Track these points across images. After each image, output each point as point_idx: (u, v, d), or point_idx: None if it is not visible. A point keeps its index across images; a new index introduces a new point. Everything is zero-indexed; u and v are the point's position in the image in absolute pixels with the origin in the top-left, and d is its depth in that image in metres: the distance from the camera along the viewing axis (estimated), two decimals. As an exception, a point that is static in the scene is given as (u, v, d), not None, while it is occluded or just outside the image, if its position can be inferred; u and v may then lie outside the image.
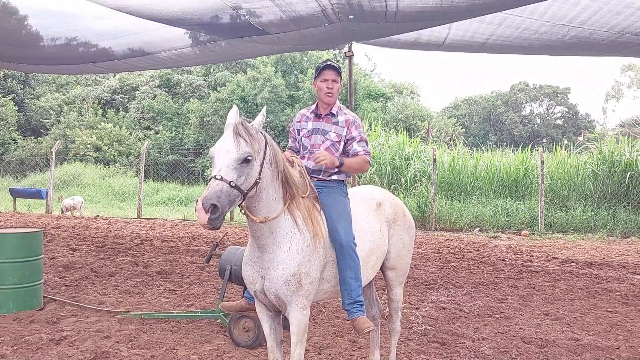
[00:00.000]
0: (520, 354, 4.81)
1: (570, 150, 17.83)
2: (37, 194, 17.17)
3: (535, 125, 50.18)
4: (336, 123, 3.85)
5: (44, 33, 9.60)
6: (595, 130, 39.35)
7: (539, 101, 52.18)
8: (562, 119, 51.34)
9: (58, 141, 20.01)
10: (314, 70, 4.03)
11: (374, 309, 4.37)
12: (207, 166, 26.44)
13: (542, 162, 14.28)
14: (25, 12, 9.29)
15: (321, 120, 3.88)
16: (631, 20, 7.57)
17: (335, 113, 3.87)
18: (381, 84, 39.30)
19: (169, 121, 32.40)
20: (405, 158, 16.71)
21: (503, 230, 13.69)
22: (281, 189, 3.32)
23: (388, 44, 10.24)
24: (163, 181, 25.46)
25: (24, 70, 26.90)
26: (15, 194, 17.52)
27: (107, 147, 29.25)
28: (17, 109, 33.03)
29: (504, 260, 9.50)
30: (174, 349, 4.70)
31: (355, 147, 3.82)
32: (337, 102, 3.93)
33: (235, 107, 3.26)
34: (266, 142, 3.20)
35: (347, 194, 3.82)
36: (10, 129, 31.45)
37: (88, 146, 28.97)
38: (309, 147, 3.85)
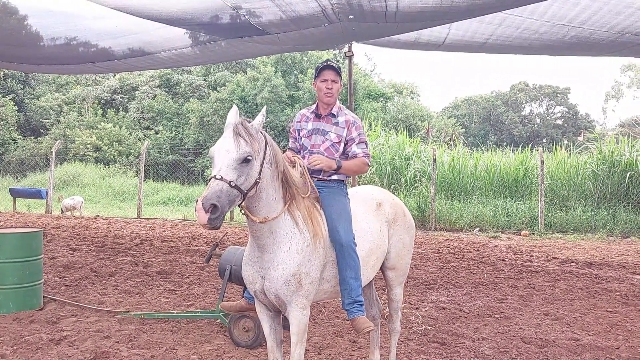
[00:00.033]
0: (520, 354, 4.82)
1: (570, 150, 17.84)
2: (37, 194, 17.17)
3: (535, 125, 50.19)
4: (336, 124, 3.85)
5: (44, 33, 9.60)
6: (595, 130, 39.37)
7: (538, 101, 52.19)
8: (562, 119, 51.36)
9: (58, 141, 20.01)
10: (314, 70, 4.03)
11: (374, 309, 4.37)
12: (207, 166, 26.44)
13: (542, 162, 14.28)
14: (25, 12, 9.28)
15: (321, 120, 3.88)
16: (631, 20, 7.57)
17: (335, 113, 3.87)
18: (381, 84, 39.31)
19: (168, 121, 32.40)
20: (405, 158, 16.71)
21: (503, 230, 13.69)
22: (281, 188, 3.32)
23: (388, 44, 10.24)
24: (163, 181, 25.46)
25: (24, 70, 26.90)
26: (15, 194, 17.52)
27: (107, 147, 29.25)
28: (17, 108, 33.03)
29: (503, 260, 9.50)
30: (174, 349, 4.70)
31: (355, 149, 3.82)
32: (337, 102, 3.93)
33: (235, 107, 3.26)
34: (266, 142, 3.20)
35: (347, 194, 3.82)
36: (10, 128, 31.45)
37: (88, 146, 28.97)
38: (309, 148, 3.85)
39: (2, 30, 9.58)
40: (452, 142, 20.64)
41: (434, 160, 14.83)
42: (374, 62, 70.17)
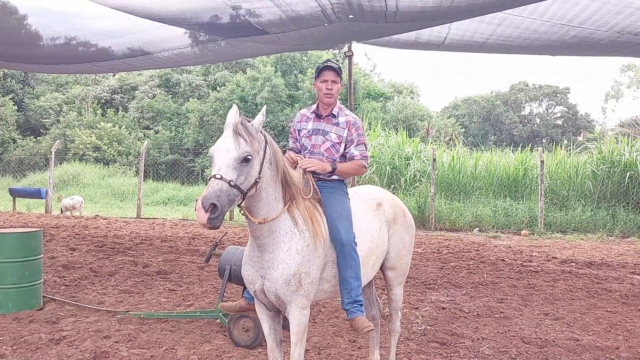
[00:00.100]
0: (520, 353, 4.81)
1: (569, 150, 17.84)
2: (36, 194, 17.16)
3: (535, 125, 50.20)
4: (337, 124, 3.84)
5: (44, 32, 9.59)
6: (595, 130, 39.38)
7: (538, 101, 52.20)
8: (562, 119, 51.37)
9: (57, 141, 20.01)
10: (314, 70, 4.02)
11: (373, 309, 4.36)
12: (207, 166, 26.44)
13: (542, 162, 14.28)
14: (25, 12, 9.28)
15: (322, 120, 3.87)
16: (631, 20, 7.56)
17: (336, 114, 3.86)
18: (381, 83, 39.31)
19: (168, 121, 32.39)
20: (404, 158, 16.72)
21: (502, 230, 13.69)
22: (281, 188, 3.32)
23: (388, 43, 10.23)
24: (162, 181, 25.45)
25: (24, 70, 26.89)
26: (15, 193, 17.51)
27: (106, 147, 29.24)
28: (16, 108, 33.02)
29: (503, 260, 9.50)
30: (174, 349, 4.69)
31: (353, 150, 3.82)
32: (338, 102, 3.93)
33: (235, 106, 3.26)
34: (266, 142, 3.19)
35: (348, 194, 3.82)
36: (9, 128, 31.44)
37: (87, 146, 28.96)
38: (309, 148, 3.84)
39: (1, 29, 9.57)
40: (451, 142, 20.65)
41: (434, 160, 14.83)
42: (374, 62, 70.28)
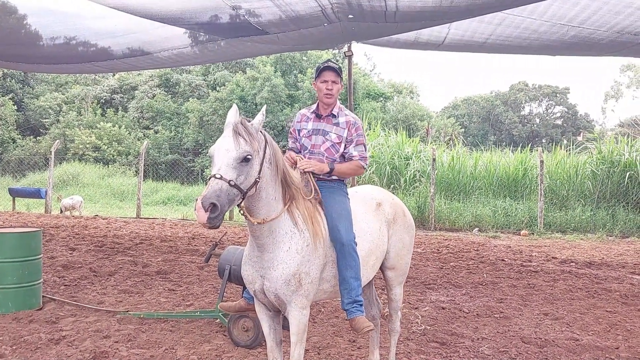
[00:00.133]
0: (520, 353, 4.81)
1: (569, 150, 17.85)
2: (36, 194, 17.15)
3: (535, 125, 50.20)
4: (337, 124, 3.84)
5: (43, 32, 9.59)
6: (595, 130, 39.41)
7: (538, 101, 52.20)
8: (562, 119, 51.37)
9: (57, 141, 20.00)
10: (314, 70, 4.02)
11: (373, 309, 4.36)
12: (207, 166, 26.44)
13: (542, 162, 14.28)
14: (25, 12, 9.28)
15: (322, 120, 3.87)
16: (630, 20, 7.57)
17: (336, 114, 3.86)
18: (380, 83, 39.32)
19: (168, 121, 32.39)
20: (404, 158, 16.72)
21: (502, 230, 13.69)
22: (281, 188, 3.32)
23: (387, 43, 10.23)
24: (162, 181, 25.44)
25: (23, 70, 26.88)
26: (15, 193, 17.50)
27: (106, 147, 29.23)
28: (16, 108, 33.00)
29: (503, 260, 9.50)
30: (173, 349, 4.69)
31: (351, 151, 3.82)
32: (338, 102, 3.93)
33: (235, 106, 3.26)
34: (266, 142, 3.19)
35: (347, 194, 3.82)
36: (9, 128, 31.42)
37: (87, 146, 28.95)
38: (309, 148, 3.84)
39: (1, 29, 9.57)
40: (451, 142, 20.64)
41: (434, 160, 14.83)
42: (374, 62, 70.21)
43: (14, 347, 4.64)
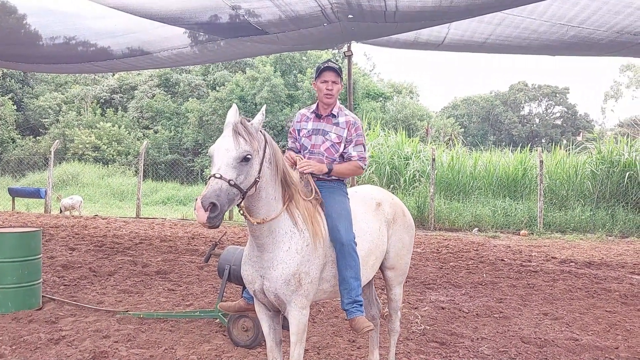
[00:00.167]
0: (519, 353, 4.82)
1: (569, 150, 17.85)
2: (35, 194, 17.14)
3: (534, 125, 50.22)
4: (337, 124, 3.84)
5: (43, 32, 9.59)
6: (594, 130, 39.45)
7: (537, 101, 52.21)
8: (561, 119, 51.39)
9: (57, 140, 20.01)
10: (314, 70, 4.02)
11: (373, 309, 4.36)
12: (206, 165, 26.43)
13: (541, 162, 14.28)
14: (24, 11, 9.28)
15: (322, 120, 3.87)
16: (630, 20, 7.57)
17: (336, 114, 3.86)
18: (380, 83, 39.32)
19: (167, 120, 32.38)
20: (404, 158, 16.72)
21: (502, 230, 13.70)
22: (280, 188, 3.32)
23: (387, 43, 10.23)
24: (162, 181, 25.43)
25: (23, 69, 26.88)
26: (14, 193, 17.49)
27: (106, 147, 29.22)
28: (15, 108, 32.98)
29: (502, 260, 9.51)
30: (173, 349, 4.69)
31: (350, 151, 3.82)
32: (338, 102, 3.93)
33: (234, 106, 3.26)
34: (266, 141, 3.20)
35: (347, 194, 3.82)
36: (9, 128, 31.41)
37: (87, 145, 28.93)
38: (309, 148, 3.84)
39: (1, 29, 9.57)
40: (451, 142, 20.64)
41: (433, 160, 14.83)
42: (373, 62, 69.99)
43: (14, 347, 4.64)
